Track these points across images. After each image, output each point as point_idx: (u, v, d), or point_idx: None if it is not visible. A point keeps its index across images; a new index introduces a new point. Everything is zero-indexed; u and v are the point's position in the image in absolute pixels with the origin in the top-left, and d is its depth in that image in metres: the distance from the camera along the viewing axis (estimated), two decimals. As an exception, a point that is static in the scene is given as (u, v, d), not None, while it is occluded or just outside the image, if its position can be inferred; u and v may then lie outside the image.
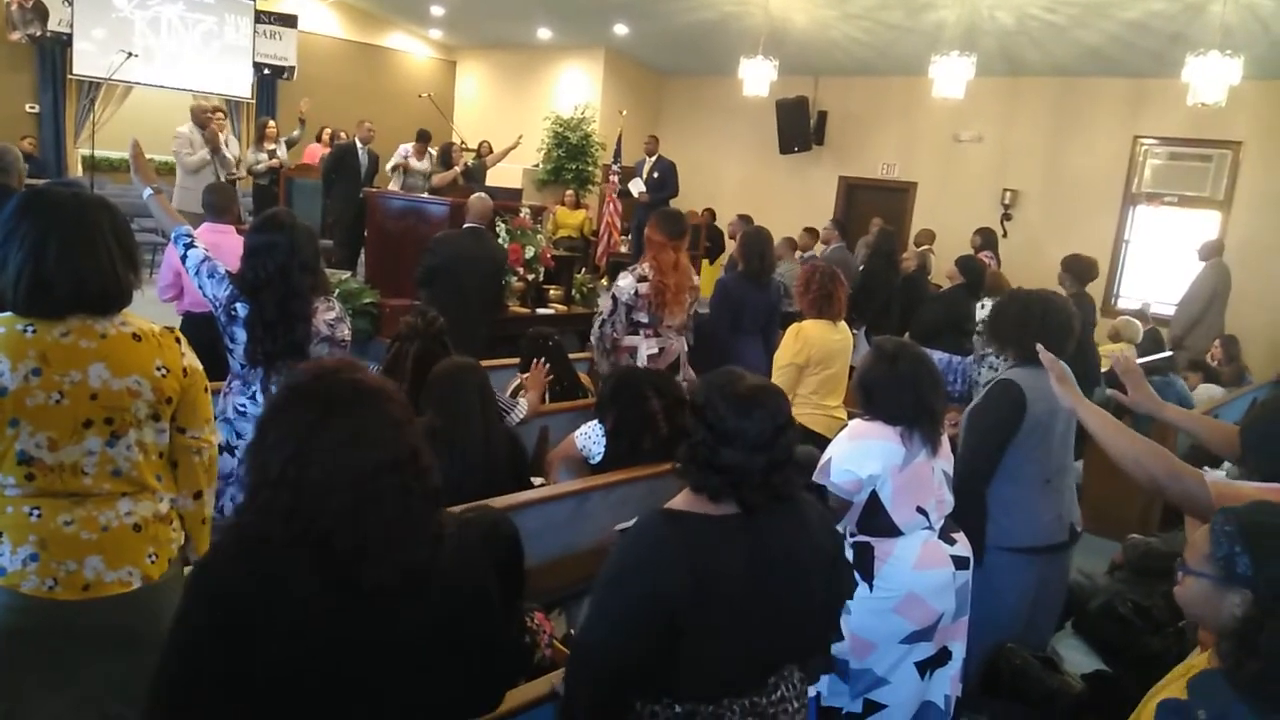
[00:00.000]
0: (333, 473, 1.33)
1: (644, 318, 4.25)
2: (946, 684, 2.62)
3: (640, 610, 1.67)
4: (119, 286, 1.99)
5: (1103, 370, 5.58)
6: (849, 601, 2.40)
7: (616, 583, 1.72)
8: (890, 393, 2.57)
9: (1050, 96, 10.27)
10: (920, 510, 2.54)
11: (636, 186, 10.40)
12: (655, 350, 4.27)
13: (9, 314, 1.90)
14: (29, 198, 1.98)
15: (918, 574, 2.50)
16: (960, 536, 2.66)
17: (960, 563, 2.60)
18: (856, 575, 2.52)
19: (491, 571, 1.59)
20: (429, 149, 9.62)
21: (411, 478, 1.39)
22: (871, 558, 2.53)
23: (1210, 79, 7.21)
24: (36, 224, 1.91)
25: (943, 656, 2.59)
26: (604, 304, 4.34)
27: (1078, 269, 5.90)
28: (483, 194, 6.28)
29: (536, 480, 3.48)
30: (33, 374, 1.85)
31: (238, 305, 2.95)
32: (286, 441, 1.35)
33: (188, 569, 2.18)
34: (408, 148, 9.42)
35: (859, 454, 2.54)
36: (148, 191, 3.11)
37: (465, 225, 5.84)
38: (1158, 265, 9.71)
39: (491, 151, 11.17)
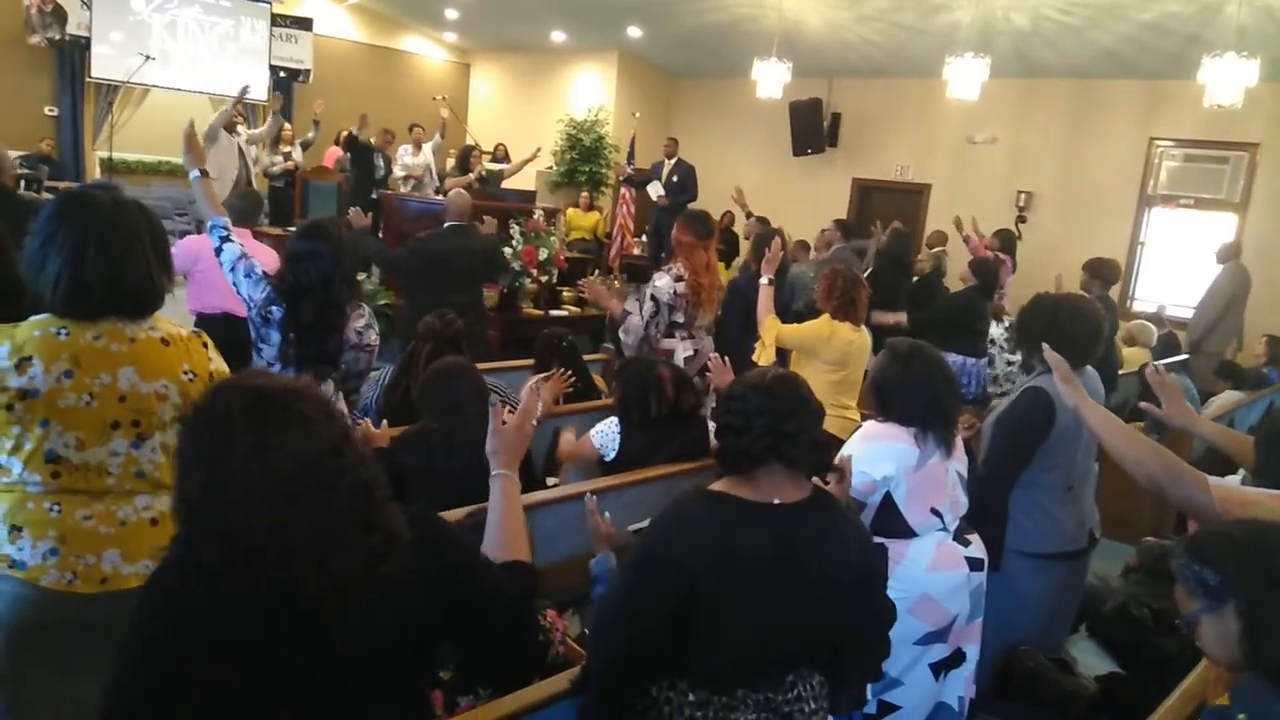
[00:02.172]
0: (248, 488, 1.28)
1: (680, 318, 4.29)
2: (960, 685, 2.61)
3: (663, 576, 1.74)
4: (154, 289, 2.02)
5: (1121, 373, 5.56)
6: None
7: (645, 549, 1.80)
8: (905, 394, 2.56)
9: (1065, 98, 10.23)
10: (935, 512, 2.54)
11: (655, 190, 10.39)
12: (690, 353, 4.30)
13: (44, 316, 1.92)
14: (67, 200, 1.99)
15: (932, 575, 2.50)
16: (975, 538, 2.65)
17: (975, 564, 2.59)
18: None
19: (469, 562, 1.56)
20: (423, 144, 9.66)
21: (334, 474, 1.33)
22: (886, 559, 2.52)
23: (1226, 80, 7.17)
24: (75, 227, 1.92)
25: (957, 658, 2.59)
26: (632, 306, 4.33)
27: (1103, 272, 5.87)
28: (461, 190, 6.27)
29: (551, 480, 3.49)
30: (65, 376, 1.88)
31: (273, 308, 2.95)
32: (199, 468, 1.31)
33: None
34: (406, 152, 9.45)
35: (872, 455, 2.54)
36: (195, 173, 3.09)
37: (446, 225, 5.71)
38: (1173, 268, 9.66)
39: (507, 155, 11.22)
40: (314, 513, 1.31)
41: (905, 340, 2.71)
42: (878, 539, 2.54)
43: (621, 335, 4.32)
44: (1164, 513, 5.06)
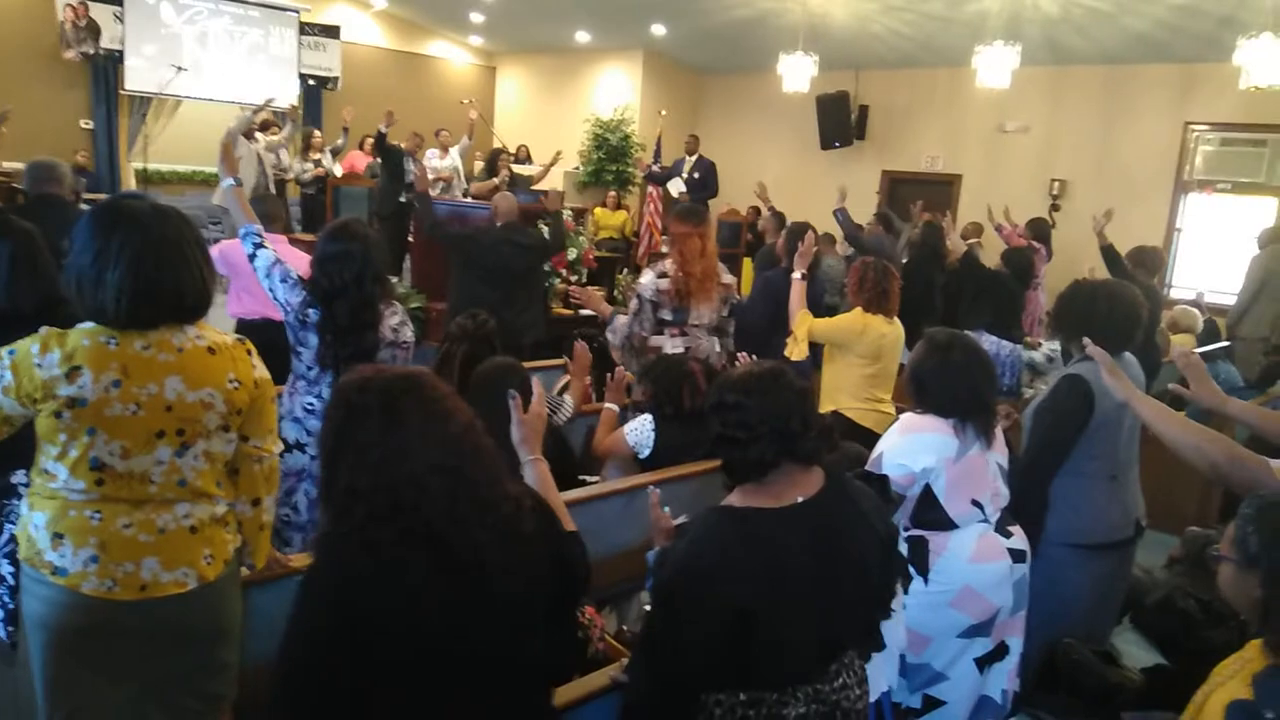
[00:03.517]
0: (420, 462, 1.43)
1: (668, 315, 4.20)
2: (1004, 679, 2.59)
3: (712, 612, 1.68)
4: (208, 294, 2.05)
5: (1165, 360, 5.47)
6: (905, 596, 2.39)
7: (686, 587, 1.72)
8: (943, 384, 2.54)
9: (1097, 84, 10.08)
10: (975, 503, 2.51)
11: (676, 187, 10.38)
12: (681, 349, 4.18)
13: (92, 325, 1.93)
14: (106, 212, 1.98)
15: (974, 567, 2.47)
16: (1017, 530, 2.62)
17: (1017, 556, 2.56)
18: (912, 570, 2.50)
19: (556, 519, 1.73)
20: (450, 147, 9.71)
21: (477, 442, 1.51)
22: (926, 551, 2.51)
23: (1263, 62, 7.02)
24: (128, 238, 1.92)
25: (1000, 651, 2.56)
26: (631, 303, 4.32)
27: (1146, 260, 5.78)
28: (506, 193, 6.31)
29: (589, 479, 3.50)
30: (113, 385, 1.89)
31: (310, 311, 2.98)
32: (367, 452, 1.43)
33: (244, 571, 2.24)
34: (434, 155, 9.48)
35: (911, 447, 2.51)
36: (229, 182, 3.16)
37: (499, 225, 5.81)
38: (1211, 254, 9.50)
39: (529, 156, 11.25)
40: (474, 476, 1.48)
41: (944, 330, 2.69)
42: (918, 531, 2.53)
43: (608, 335, 4.27)
44: (1208, 502, 4.99)
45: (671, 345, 4.19)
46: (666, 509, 2.71)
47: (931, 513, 2.50)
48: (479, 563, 1.45)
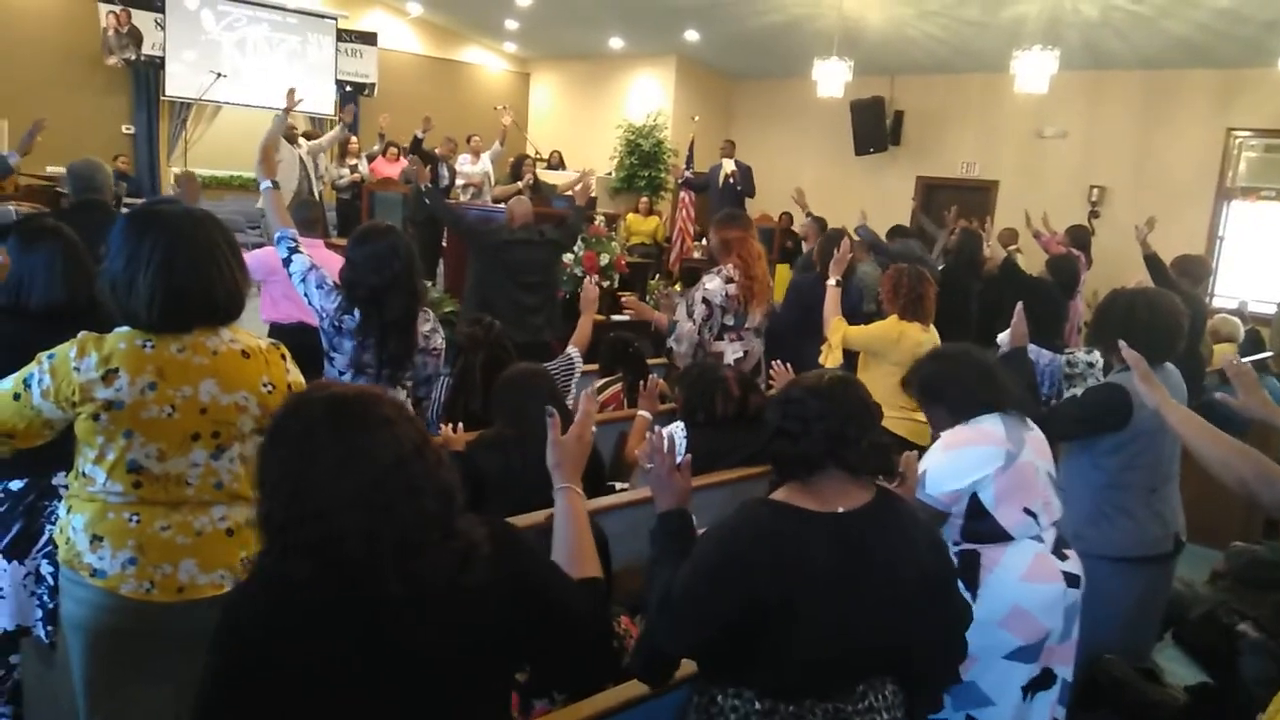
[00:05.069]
0: (337, 494, 1.28)
1: (730, 320, 4.24)
2: (1047, 708, 2.49)
3: (731, 595, 1.68)
4: (240, 297, 2.06)
5: (1210, 370, 5.37)
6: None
7: (714, 565, 1.73)
8: (952, 379, 2.50)
9: (1137, 89, 9.96)
10: (1028, 512, 2.40)
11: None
12: (740, 354, 4.24)
13: (128, 329, 1.95)
14: (142, 218, 2.01)
15: (1025, 586, 2.36)
16: (1072, 554, 2.51)
17: (1071, 580, 2.44)
18: (961, 585, 2.35)
19: (541, 568, 1.54)
20: (482, 152, 9.77)
21: (419, 476, 1.33)
22: (978, 566, 2.39)
23: (1310, 66, 6.91)
24: (160, 242, 1.94)
25: (1047, 679, 2.47)
26: (683, 311, 4.28)
27: (1191, 269, 5.68)
28: (521, 197, 6.31)
29: (619, 485, 3.48)
30: (149, 388, 1.91)
31: (345, 318, 2.97)
32: (284, 481, 1.30)
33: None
34: (466, 161, 9.52)
35: (956, 465, 2.41)
36: (266, 184, 3.19)
37: (516, 228, 5.78)
38: (1256, 263, 9.32)
39: (561, 161, 11.28)
40: (402, 517, 1.30)
41: (942, 345, 2.66)
42: (969, 545, 2.43)
43: (673, 344, 4.25)
44: (1252, 516, 4.88)
45: (731, 350, 4.23)
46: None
47: (982, 524, 2.39)
48: (400, 611, 1.30)
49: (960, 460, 2.42)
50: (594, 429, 3.25)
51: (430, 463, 1.36)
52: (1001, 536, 2.39)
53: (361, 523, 1.27)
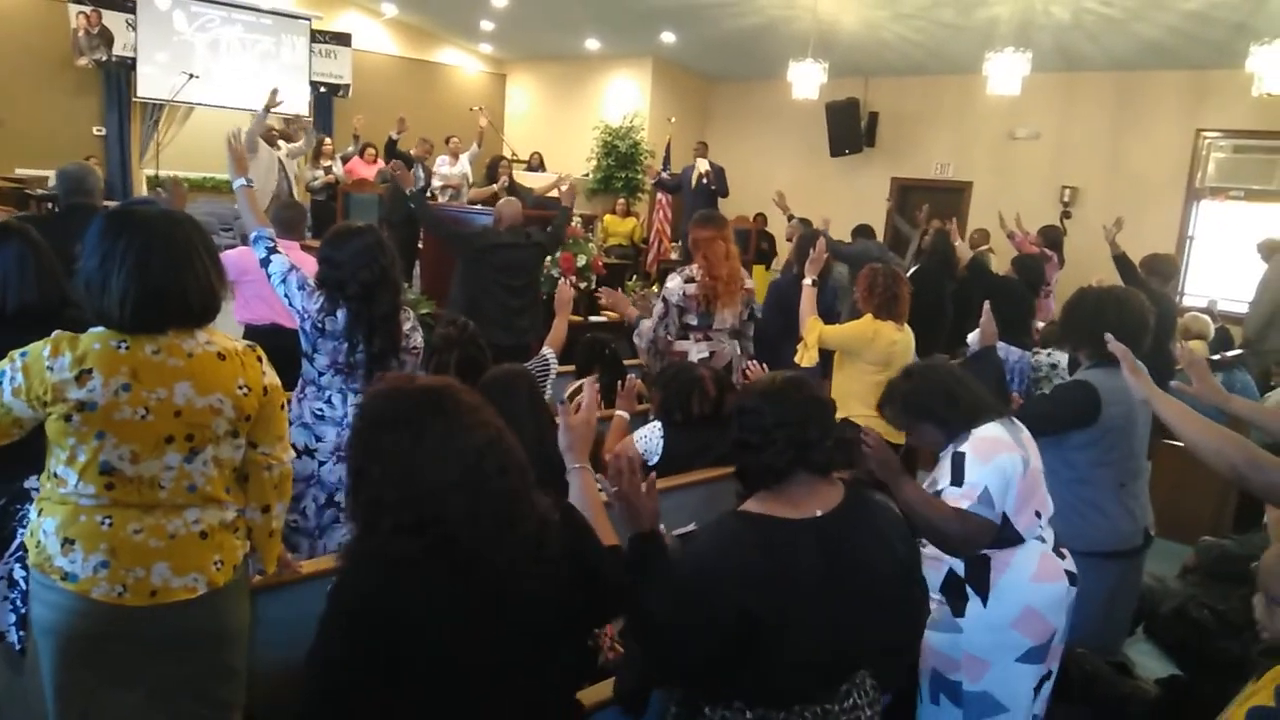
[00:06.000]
0: (445, 476, 1.41)
1: (694, 320, 4.25)
2: (1040, 705, 2.50)
3: (717, 612, 1.65)
4: (215, 299, 2.05)
5: (1179, 368, 5.42)
6: (961, 620, 2.33)
7: (695, 584, 1.70)
8: (936, 394, 2.49)
9: (1108, 91, 10.06)
10: (1037, 514, 2.42)
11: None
12: (706, 354, 4.26)
13: (102, 329, 1.93)
14: (118, 218, 2.00)
15: (1036, 586, 2.36)
16: (1068, 553, 2.51)
17: (1072, 579, 2.45)
18: (971, 591, 2.36)
19: (592, 539, 1.68)
20: (460, 154, 9.74)
21: (505, 455, 1.47)
22: (988, 570, 2.36)
23: (1276, 68, 6.97)
24: (134, 242, 1.93)
25: (1048, 677, 2.48)
26: (655, 308, 4.34)
27: (1159, 268, 5.75)
28: (511, 199, 6.30)
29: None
30: (123, 389, 1.89)
31: (328, 319, 2.94)
32: (392, 466, 1.41)
33: (255, 577, 2.24)
34: (444, 162, 9.47)
35: (1003, 476, 2.33)
36: (240, 182, 3.15)
37: (504, 231, 5.76)
38: (1225, 262, 9.44)
39: (542, 163, 11.25)
40: (498, 494, 1.45)
41: (910, 364, 2.68)
42: (982, 550, 2.39)
43: (635, 340, 4.33)
44: (1221, 510, 4.95)
45: (696, 350, 4.24)
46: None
47: (1003, 531, 2.35)
48: (501, 580, 1.43)
49: (1003, 470, 2.34)
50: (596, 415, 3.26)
51: (510, 444, 1.51)
52: (1015, 540, 2.37)
53: (465, 501, 1.41)
